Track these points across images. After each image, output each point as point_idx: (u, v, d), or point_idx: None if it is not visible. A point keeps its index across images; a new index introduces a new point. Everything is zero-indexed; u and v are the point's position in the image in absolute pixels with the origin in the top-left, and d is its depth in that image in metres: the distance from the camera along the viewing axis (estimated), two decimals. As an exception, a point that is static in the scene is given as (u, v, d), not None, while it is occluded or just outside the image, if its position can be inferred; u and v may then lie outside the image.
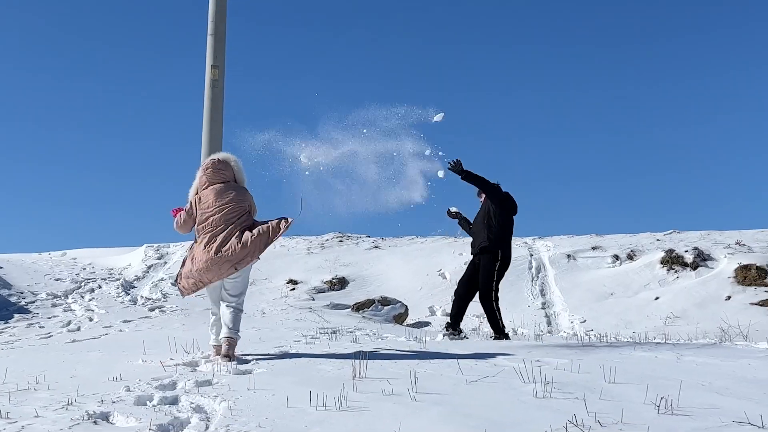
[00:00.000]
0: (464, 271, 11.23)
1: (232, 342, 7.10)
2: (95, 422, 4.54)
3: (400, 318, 16.05)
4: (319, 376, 6.01)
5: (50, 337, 11.30)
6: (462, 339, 10.36)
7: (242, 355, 7.34)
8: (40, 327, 12.51)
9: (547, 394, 5.22)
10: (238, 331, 7.27)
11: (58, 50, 69.55)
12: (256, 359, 7.04)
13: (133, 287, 17.71)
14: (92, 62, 68.50)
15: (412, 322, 16.22)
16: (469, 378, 5.86)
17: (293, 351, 7.78)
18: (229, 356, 6.96)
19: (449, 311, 17.20)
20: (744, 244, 19.43)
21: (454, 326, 10.76)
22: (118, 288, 16.86)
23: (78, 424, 4.47)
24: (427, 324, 16.13)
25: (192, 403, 5.09)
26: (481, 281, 10.48)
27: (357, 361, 6.27)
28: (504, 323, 10.65)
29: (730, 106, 66.83)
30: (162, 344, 8.39)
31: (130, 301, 15.69)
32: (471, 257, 11.05)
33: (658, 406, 4.83)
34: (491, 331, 10.76)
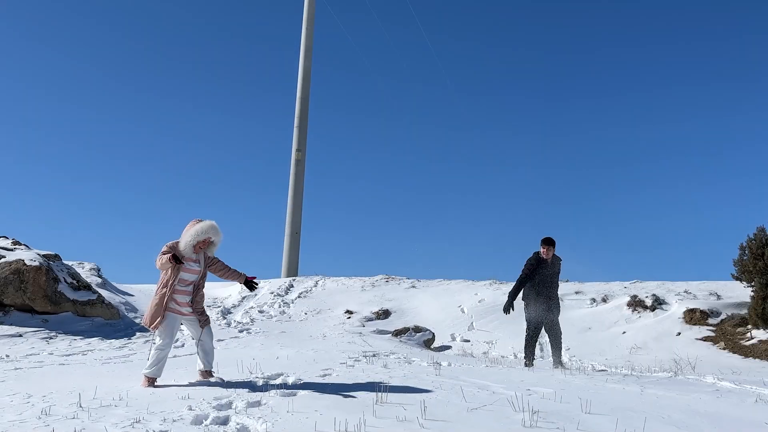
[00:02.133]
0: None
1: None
2: (151, 441, 3.94)
3: (428, 342, 15.32)
4: (348, 400, 5.36)
5: (159, 352, 10.76)
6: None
7: (294, 377, 6.72)
8: (153, 343, 11.98)
9: (533, 423, 4.55)
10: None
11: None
12: (303, 382, 6.38)
13: (230, 313, 17.15)
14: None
15: (437, 345, 15.50)
16: (471, 406, 5.17)
17: (335, 374, 7.10)
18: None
19: (466, 338, 16.65)
20: (690, 293, 18.60)
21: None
22: (218, 313, 16.32)
23: (137, 443, 3.88)
24: (448, 347, 15.42)
25: (238, 423, 4.47)
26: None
27: (380, 386, 5.67)
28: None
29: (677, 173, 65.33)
30: (235, 364, 7.79)
31: (225, 324, 15.17)
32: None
33: (627, 441, 4.15)
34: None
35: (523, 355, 10.27)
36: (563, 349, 11.09)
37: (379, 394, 5.38)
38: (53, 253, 14.53)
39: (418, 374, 7.19)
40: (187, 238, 6.54)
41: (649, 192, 65.11)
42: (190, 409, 4.83)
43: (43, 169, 62.42)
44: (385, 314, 17.88)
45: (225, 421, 4.54)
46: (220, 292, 19.99)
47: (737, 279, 15.79)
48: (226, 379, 6.47)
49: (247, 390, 5.82)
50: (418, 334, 15.34)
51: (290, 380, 6.39)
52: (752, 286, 15.08)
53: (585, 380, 6.98)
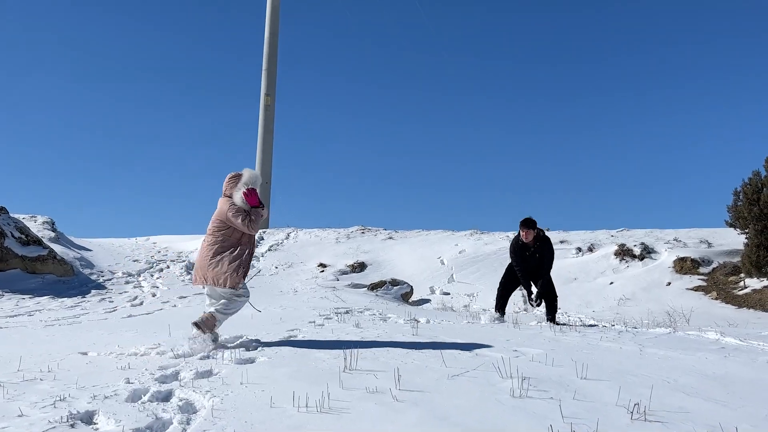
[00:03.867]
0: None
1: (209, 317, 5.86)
2: (72, 425, 3.41)
3: (406, 296, 14.93)
4: (313, 367, 4.86)
5: (114, 311, 10.21)
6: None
7: (254, 340, 6.22)
8: (109, 302, 11.44)
9: (524, 392, 4.07)
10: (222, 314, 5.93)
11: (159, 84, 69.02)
12: (264, 346, 5.87)
13: (195, 268, 16.61)
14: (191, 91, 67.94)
15: (416, 299, 15.12)
16: (452, 371, 4.70)
17: (301, 336, 6.62)
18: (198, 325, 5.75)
19: (445, 291, 16.24)
20: (680, 240, 18.37)
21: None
22: (182, 268, 15.76)
23: (54, 428, 3.34)
24: (427, 301, 15.03)
25: (181, 399, 3.94)
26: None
27: (350, 350, 5.18)
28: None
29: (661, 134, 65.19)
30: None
31: (189, 280, 14.61)
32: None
33: (632, 412, 3.70)
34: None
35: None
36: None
37: (349, 359, 4.89)
38: (-1, 205, 13.81)
39: (394, 334, 6.73)
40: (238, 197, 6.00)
41: (636, 135, 64.96)
42: (128, 383, 4.29)
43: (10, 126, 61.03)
44: (360, 267, 17.46)
45: (167, 397, 4.01)
46: (184, 245, 19.42)
47: (731, 226, 15.49)
48: (183, 343, 5.91)
49: (198, 357, 5.29)
50: (395, 287, 14.95)
51: (250, 344, 5.89)
52: (746, 233, 14.78)
53: (577, 338, 6.56)
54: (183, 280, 14.29)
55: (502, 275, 9.66)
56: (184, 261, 16.76)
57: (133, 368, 4.77)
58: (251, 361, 5.11)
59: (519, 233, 9.12)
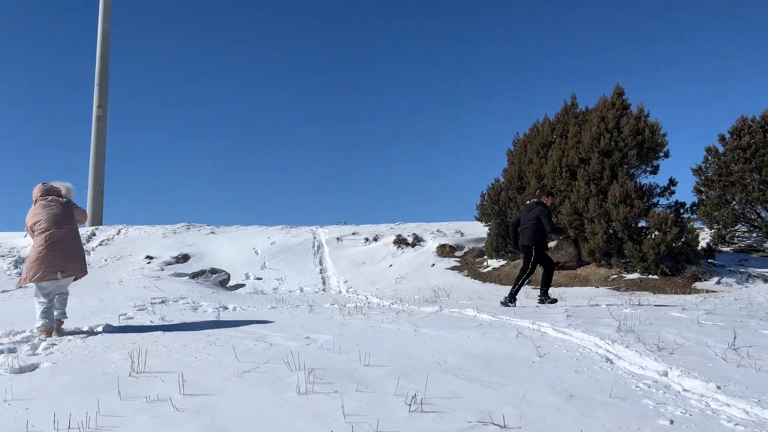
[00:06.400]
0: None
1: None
2: None
3: (224, 282, 13.58)
4: (99, 372, 3.69)
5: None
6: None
7: (50, 340, 4.86)
8: None
9: (309, 387, 3.25)
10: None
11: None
12: (56, 347, 4.54)
13: (24, 262, 14.07)
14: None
15: (232, 284, 13.83)
16: (243, 367, 3.76)
17: (101, 335, 5.28)
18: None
19: (258, 276, 15.13)
20: (442, 231, 18.58)
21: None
22: (10, 263, 13.26)
23: None
24: (242, 285, 13.82)
25: None
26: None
27: (142, 349, 4.07)
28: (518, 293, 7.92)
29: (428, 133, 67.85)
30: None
31: (17, 273, 12.31)
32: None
33: (409, 404, 2.98)
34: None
35: (515, 290, 7.82)
36: (343, 280, 9.84)
37: (138, 360, 3.78)
38: None
39: (197, 325, 5.63)
40: None
41: (411, 145, 66.94)
42: None
43: None
44: (184, 258, 15.80)
45: None
46: (21, 242, 16.60)
47: (478, 220, 15.78)
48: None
49: (-21, 365, 3.90)
50: (214, 275, 13.55)
51: (41, 346, 4.53)
52: (489, 225, 15.11)
53: (362, 321, 5.84)
54: (10, 275, 11.98)
55: (532, 266, 7.88)
56: (14, 256, 14.19)
57: None
58: (33, 368, 3.82)
59: (543, 199, 8.19)
